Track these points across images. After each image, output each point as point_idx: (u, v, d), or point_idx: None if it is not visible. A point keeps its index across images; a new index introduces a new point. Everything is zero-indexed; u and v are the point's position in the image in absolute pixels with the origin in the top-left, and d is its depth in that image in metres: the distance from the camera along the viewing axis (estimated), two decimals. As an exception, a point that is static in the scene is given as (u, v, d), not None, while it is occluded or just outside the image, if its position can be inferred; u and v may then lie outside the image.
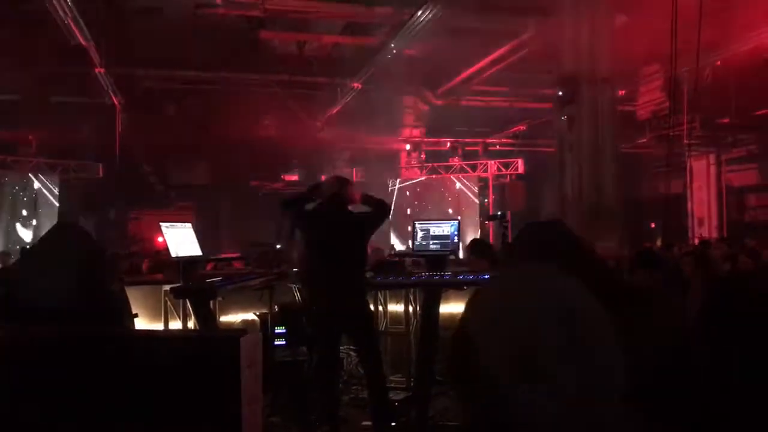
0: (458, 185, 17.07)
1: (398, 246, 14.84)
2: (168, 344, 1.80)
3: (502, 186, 16.22)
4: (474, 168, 16.89)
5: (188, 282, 4.46)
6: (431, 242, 5.08)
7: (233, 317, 6.23)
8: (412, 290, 5.69)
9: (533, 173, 16.69)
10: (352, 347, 5.34)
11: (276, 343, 5.08)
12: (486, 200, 16.72)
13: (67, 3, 10.17)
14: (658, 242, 11.76)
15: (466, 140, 17.69)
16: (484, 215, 16.09)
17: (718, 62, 12.45)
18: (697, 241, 12.42)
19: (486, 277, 4.37)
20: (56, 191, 15.65)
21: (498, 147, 17.76)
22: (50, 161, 15.47)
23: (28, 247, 10.24)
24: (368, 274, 4.60)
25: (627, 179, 14.19)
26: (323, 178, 18.91)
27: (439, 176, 17.23)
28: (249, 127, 16.27)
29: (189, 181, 17.85)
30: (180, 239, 4.56)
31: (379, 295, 6.19)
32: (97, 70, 13.00)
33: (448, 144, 17.69)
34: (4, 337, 1.78)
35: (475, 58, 14.23)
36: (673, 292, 4.11)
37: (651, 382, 1.56)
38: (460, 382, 0.95)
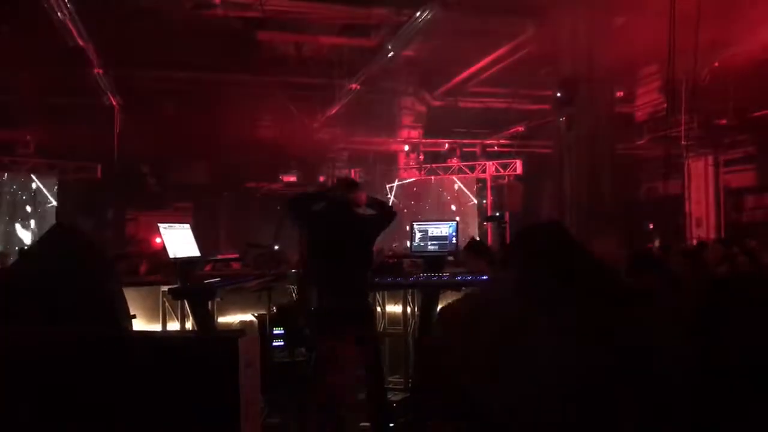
0: (457, 186, 17.06)
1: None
2: (167, 345, 1.80)
3: (501, 187, 16.22)
4: (472, 169, 16.88)
5: (186, 283, 4.46)
6: (429, 243, 5.08)
7: (231, 318, 6.21)
8: (410, 291, 5.70)
9: (531, 174, 16.68)
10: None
11: (274, 344, 5.09)
12: (484, 201, 16.71)
13: (66, 4, 10.16)
14: (656, 243, 11.76)
15: (465, 141, 17.67)
16: (483, 216, 16.08)
17: (716, 63, 12.44)
18: (695, 242, 12.43)
19: (484, 278, 4.38)
20: (55, 191, 15.61)
21: (496, 148, 17.73)
22: (48, 162, 15.43)
23: (26, 248, 10.21)
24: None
25: (625, 180, 14.22)
26: (321, 179, 18.76)
27: (438, 177, 17.22)
28: (247, 128, 16.27)
29: (187, 181, 17.81)
30: (178, 240, 4.56)
31: (378, 296, 6.19)
32: (95, 71, 12.99)
33: (447, 145, 17.67)
34: (4, 337, 1.79)
35: (473, 59, 14.22)
36: (669, 293, 4.11)
37: (650, 382, 1.57)
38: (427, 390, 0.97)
